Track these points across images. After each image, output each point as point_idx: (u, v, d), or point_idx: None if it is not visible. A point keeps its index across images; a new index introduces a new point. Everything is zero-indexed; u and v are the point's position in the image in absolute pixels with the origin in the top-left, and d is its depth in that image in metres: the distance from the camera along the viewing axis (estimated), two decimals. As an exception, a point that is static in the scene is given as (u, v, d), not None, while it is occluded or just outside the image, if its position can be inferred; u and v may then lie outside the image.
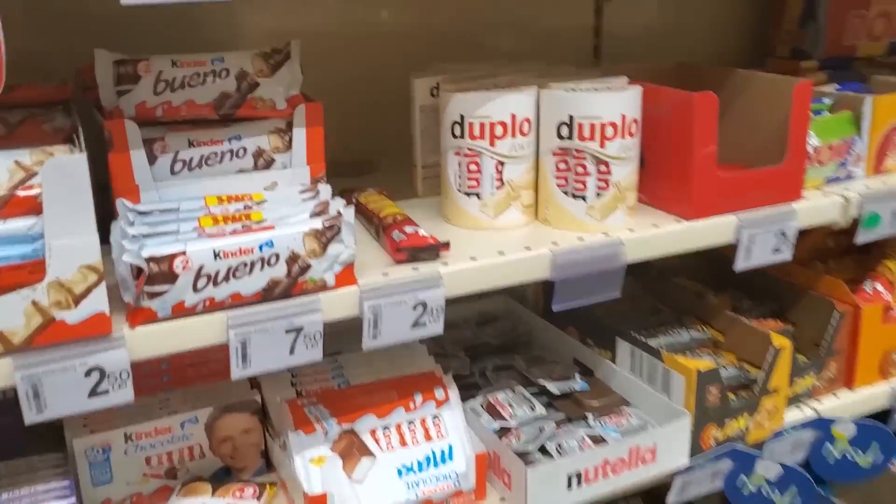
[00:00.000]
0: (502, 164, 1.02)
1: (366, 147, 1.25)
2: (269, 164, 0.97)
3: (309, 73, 0.97)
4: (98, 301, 0.75)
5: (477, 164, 1.02)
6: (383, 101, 1.22)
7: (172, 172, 0.93)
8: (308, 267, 0.84)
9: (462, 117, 1.01)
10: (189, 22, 1.15)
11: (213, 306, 0.80)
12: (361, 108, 1.24)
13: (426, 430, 1.03)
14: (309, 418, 1.00)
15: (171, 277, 0.77)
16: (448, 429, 1.03)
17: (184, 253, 0.78)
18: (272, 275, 0.82)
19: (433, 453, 1.01)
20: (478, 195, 1.04)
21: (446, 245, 0.94)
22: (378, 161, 1.29)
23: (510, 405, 1.12)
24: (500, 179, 1.03)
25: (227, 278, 0.80)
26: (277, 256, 0.82)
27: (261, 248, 0.81)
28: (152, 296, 0.77)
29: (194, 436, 1.05)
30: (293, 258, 0.83)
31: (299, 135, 0.96)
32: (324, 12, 1.26)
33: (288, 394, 1.05)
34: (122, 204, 0.89)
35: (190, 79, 0.93)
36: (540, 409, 1.11)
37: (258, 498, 1.00)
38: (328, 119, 0.96)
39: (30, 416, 0.75)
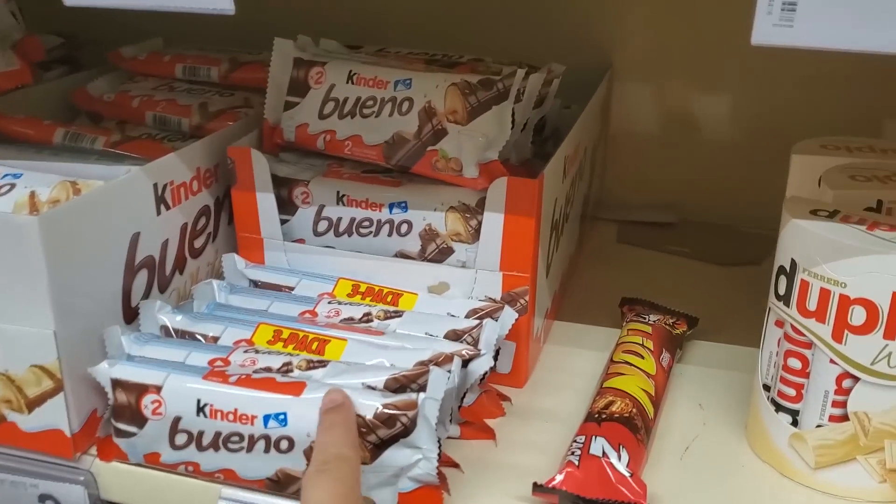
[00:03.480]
0: (852, 378, 0.49)
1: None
2: (444, 254, 0.61)
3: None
4: (54, 415, 0.53)
5: (802, 359, 0.51)
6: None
7: (316, 233, 0.64)
8: (341, 472, 0.48)
9: (794, 265, 0.51)
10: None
11: (199, 474, 0.52)
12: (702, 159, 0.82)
13: None
14: None
15: (139, 419, 0.51)
16: None
17: (158, 390, 0.50)
18: (283, 464, 0.49)
19: None
20: (793, 417, 0.53)
21: (645, 511, 0.49)
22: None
23: None
24: (843, 405, 0.50)
25: (214, 446, 0.50)
26: (290, 443, 0.49)
27: (266, 420, 0.49)
28: (120, 433, 0.52)
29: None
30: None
31: (493, 223, 0.58)
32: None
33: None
34: (229, 260, 0.64)
35: (364, 103, 0.62)
36: None
37: None
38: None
39: (-11, 518, 0.58)
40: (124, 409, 0.51)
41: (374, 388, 0.50)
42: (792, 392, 0.52)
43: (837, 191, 0.56)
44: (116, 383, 0.51)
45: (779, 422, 0.53)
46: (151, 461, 0.52)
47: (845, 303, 0.48)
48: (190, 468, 0.51)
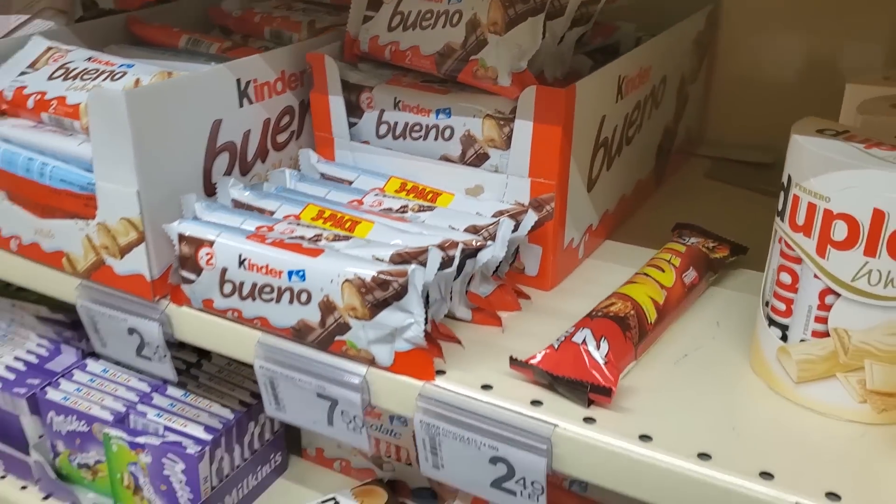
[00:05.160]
0: (833, 294, 0.50)
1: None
2: (481, 159, 0.66)
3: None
4: (138, 261, 0.64)
5: (793, 274, 0.52)
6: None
7: (378, 135, 0.72)
8: (346, 327, 0.56)
9: (789, 180, 0.51)
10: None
11: (241, 321, 0.61)
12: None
13: None
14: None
15: (197, 268, 0.61)
16: None
17: (211, 244, 0.60)
18: (302, 315, 0.58)
19: None
20: (783, 332, 0.54)
21: (607, 393, 0.52)
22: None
23: None
24: (825, 321, 0.51)
25: (252, 295, 0.59)
26: (308, 296, 0.57)
27: (290, 275, 0.57)
28: (184, 280, 0.63)
29: (403, 436, 0.88)
30: (327, 306, 0.56)
31: (523, 131, 0.63)
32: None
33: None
34: (304, 154, 0.73)
35: (423, 16, 0.68)
36: None
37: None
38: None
39: (97, 346, 0.72)
40: (186, 259, 0.61)
41: (381, 260, 0.57)
42: (782, 306, 0.53)
43: (867, 116, 0.55)
44: (181, 237, 0.61)
45: (770, 335, 0.54)
46: (207, 306, 0.62)
47: (829, 218, 0.49)
48: (235, 314, 0.61)
